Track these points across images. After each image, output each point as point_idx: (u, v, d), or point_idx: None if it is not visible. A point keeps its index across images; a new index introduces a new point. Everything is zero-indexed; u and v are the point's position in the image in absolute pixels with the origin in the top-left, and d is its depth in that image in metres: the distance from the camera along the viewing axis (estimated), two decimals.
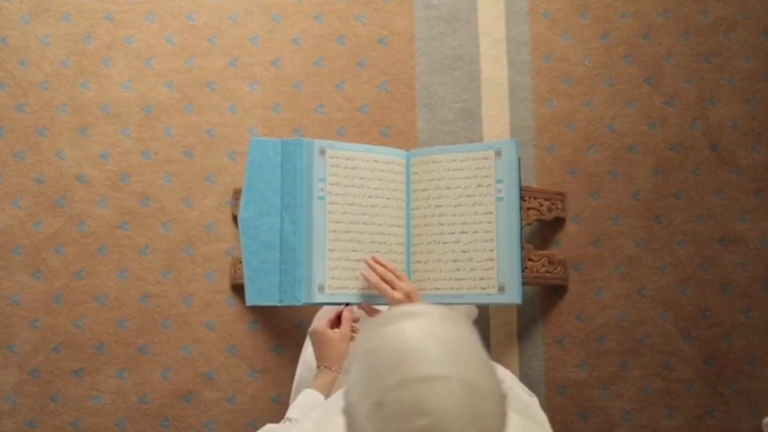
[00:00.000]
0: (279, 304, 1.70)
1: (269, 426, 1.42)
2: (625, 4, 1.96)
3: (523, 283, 1.69)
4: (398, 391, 0.83)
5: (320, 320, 1.54)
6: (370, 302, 1.62)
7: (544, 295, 1.90)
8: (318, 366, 1.49)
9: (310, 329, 1.53)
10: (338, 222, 1.64)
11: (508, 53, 1.95)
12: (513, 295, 1.66)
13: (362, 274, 1.60)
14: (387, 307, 1.59)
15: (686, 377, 1.88)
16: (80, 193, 1.91)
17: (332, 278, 1.62)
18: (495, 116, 1.94)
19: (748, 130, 1.93)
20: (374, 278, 1.56)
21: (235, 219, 1.85)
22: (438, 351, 0.85)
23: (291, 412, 1.43)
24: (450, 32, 1.96)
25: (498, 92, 1.94)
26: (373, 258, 1.60)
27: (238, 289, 1.86)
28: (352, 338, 1.56)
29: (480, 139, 1.92)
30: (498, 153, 1.70)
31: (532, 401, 1.23)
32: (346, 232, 1.65)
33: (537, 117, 1.94)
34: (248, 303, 1.73)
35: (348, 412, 0.89)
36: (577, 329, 1.89)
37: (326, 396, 1.47)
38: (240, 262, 1.79)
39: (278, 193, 1.71)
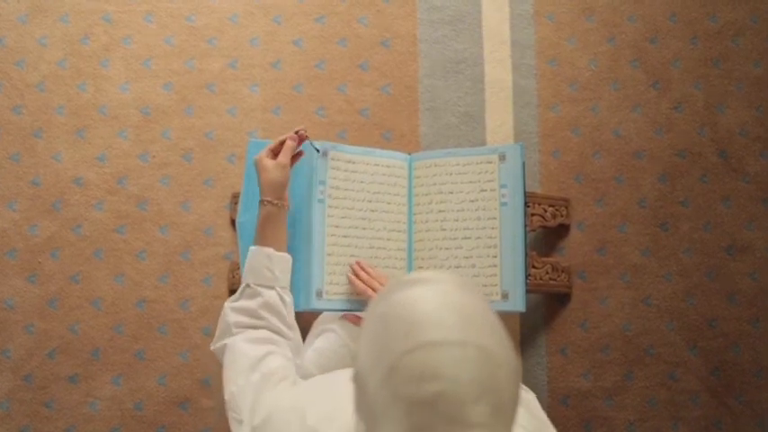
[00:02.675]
0: None
1: (230, 315, 1.34)
2: (632, 8, 1.93)
3: (527, 291, 1.66)
4: (412, 356, 0.81)
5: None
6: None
7: (548, 303, 1.87)
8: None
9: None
10: (337, 227, 1.61)
11: (513, 56, 1.93)
12: (517, 303, 1.63)
13: (349, 280, 1.58)
14: None
15: (692, 388, 1.84)
16: (76, 197, 1.88)
17: (330, 283, 1.59)
18: (499, 120, 1.91)
19: (756, 136, 1.90)
20: (360, 286, 1.54)
21: (233, 222, 1.82)
22: (454, 318, 0.83)
23: (247, 277, 1.36)
24: (454, 35, 1.94)
25: (502, 96, 1.92)
26: (358, 264, 1.58)
27: None
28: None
29: (484, 144, 1.90)
30: (502, 157, 1.67)
31: (530, 397, 1.20)
32: (345, 237, 1.62)
33: (541, 122, 1.91)
34: None
35: (358, 379, 0.87)
36: (581, 338, 1.86)
37: (272, 244, 1.38)
38: (238, 267, 1.75)
39: None
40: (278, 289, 1.36)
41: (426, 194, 1.70)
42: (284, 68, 1.93)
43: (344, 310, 1.61)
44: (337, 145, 1.67)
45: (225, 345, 1.33)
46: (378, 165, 1.67)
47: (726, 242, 1.88)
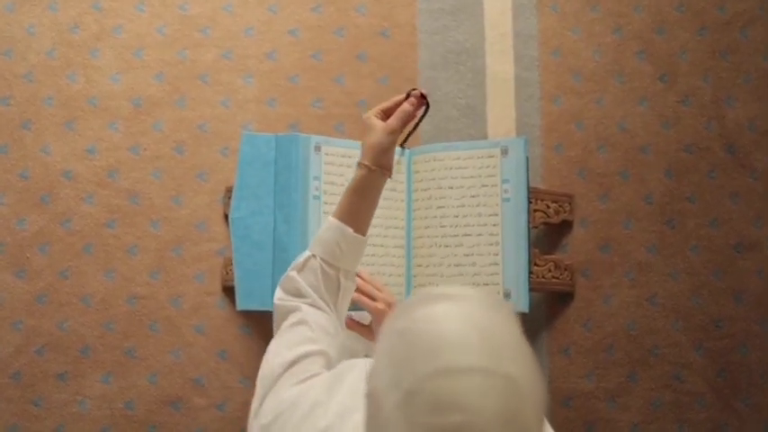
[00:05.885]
0: (272, 309, 1.63)
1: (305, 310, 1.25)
2: None
3: (530, 289, 1.62)
4: (434, 382, 0.77)
5: None
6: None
7: (550, 302, 1.83)
8: None
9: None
10: None
11: (515, 47, 1.88)
12: (520, 302, 1.59)
13: None
14: (363, 316, 1.53)
15: (697, 390, 1.81)
16: (66, 190, 1.84)
17: None
18: (501, 113, 1.87)
19: (765, 131, 1.86)
20: (353, 295, 1.49)
21: (226, 218, 1.78)
22: (480, 341, 0.79)
23: (314, 247, 1.27)
24: (455, 25, 1.90)
25: (504, 88, 1.88)
26: None
27: (229, 291, 1.80)
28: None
29: (485, 138, 1.85)
30: (505, 151, 1.64)
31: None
32: None
33: (544, 115, 1.87)
34: (239, 308, 1.67)
35: (372, 397, 0.83)
36: (584, 338, 1.82)
37: (353, 221, 1.27)
38: (231, 263, 1.72)
39: (271, 192, 1.65)
40: (341, 274, 1.28)
41: (425, 190, 1.66)
42: (280, 59, 1.88)
43: None
44: (331, 139, 1.63)
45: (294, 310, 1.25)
46: None
47: (733, 240, 1.84)
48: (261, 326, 1.81)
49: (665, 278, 1.83)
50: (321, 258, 1.26)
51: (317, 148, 1.62)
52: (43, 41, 1.87)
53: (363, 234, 1.29)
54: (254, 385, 1.77)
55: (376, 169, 1.28)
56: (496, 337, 0.80)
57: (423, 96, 1.32)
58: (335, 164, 1.63)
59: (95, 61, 1.87)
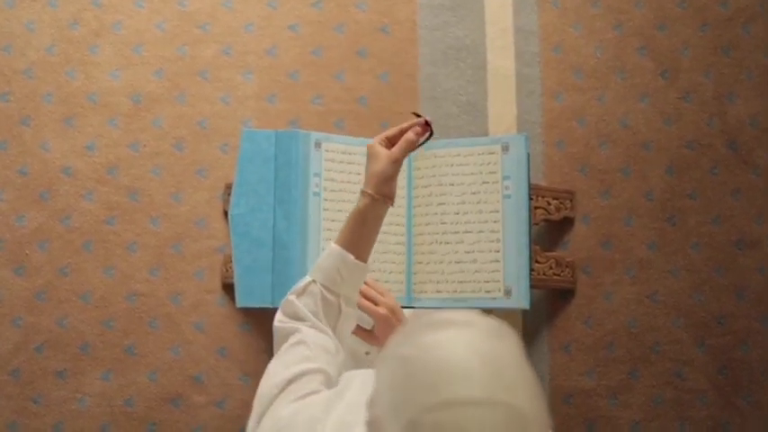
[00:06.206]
0: (271, 306, 1.62)
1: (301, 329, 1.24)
2: None
3: (531, 286, 1.61)
4: (437, 414, 0.76)
5: None
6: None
7: (551, 299, 1.83)
8: None
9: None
10: (333, 221, 1.57)
11: (516, 44, 1.88)
12: (521, 299, 1.59)
13: None
14: (364, 318, 1.51)
15: (699, 387, 1.80)
16: (65, 187, 1.83)
17: None
18: (502, 110, 1.86)
19: (767, 127, 1.85)
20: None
21: (226, 214, 1.77)
22: (484, 370, 0.78)
23: (315, 273, 1.27)
24: (455, 21, 1.89)
25: (505, 84, 1.87)
26: None
27: (229, 288, 1.79)
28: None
29: (486, 134, 1.85)
30: (505, 148, 1.63)
31: None
32: None
33: (546, 111, 1.86)
34: (239, 305, 1.66)
35: (373, 425, 0.82)
36: (585, 335, 1.81)
37: (355, 247, 1.27)
38: (231, 260, 1.71)
39: (271, 188, 1.64)
40: (342, 300, 1.27)
41: (426, 187, 1.66)
42: (280, 55, 1.88)
43: None
44: (332, 136, 1.63)
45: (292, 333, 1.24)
46: None
47: (735, 236, 1.83)
48: (260, 323, 1.81)
49: (666, 275, 1.82)
50: (321, 284, 1.26)
51: (318, 145, 1.61)
52: (42, 38, 1.86)
53: (364, 261, 1.29)
54: (253, 383, 1.77)
55: (379, 198, 1.27)
56: (498, 363, 0.80)
57: (427, 124, 1.32)
58: (336, 160, 1.63)
59: (95, 57, 1.86)
